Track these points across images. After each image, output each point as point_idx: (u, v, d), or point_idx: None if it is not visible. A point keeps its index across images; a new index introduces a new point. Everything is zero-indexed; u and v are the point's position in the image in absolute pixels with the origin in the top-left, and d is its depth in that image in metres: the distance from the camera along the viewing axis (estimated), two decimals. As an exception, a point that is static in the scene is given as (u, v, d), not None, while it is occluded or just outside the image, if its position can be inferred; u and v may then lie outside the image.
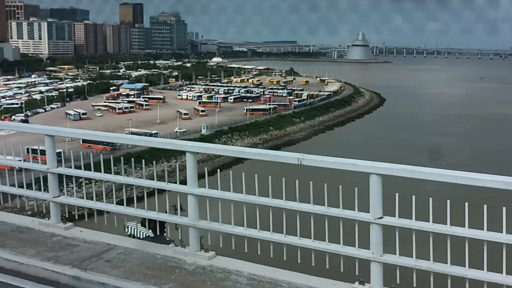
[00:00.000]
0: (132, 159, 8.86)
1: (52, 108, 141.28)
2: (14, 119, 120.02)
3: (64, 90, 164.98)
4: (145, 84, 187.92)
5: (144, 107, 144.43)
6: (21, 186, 9.39)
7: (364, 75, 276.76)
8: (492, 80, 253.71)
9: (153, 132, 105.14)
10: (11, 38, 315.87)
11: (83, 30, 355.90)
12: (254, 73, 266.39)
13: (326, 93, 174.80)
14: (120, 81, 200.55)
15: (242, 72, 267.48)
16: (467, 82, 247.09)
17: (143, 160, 14.95)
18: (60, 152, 10.77)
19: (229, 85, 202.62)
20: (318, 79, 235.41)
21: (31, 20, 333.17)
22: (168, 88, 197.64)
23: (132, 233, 55.37)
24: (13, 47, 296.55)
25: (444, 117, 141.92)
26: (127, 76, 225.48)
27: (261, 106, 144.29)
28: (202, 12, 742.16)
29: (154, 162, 9.67)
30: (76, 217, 9.27)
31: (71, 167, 8.78)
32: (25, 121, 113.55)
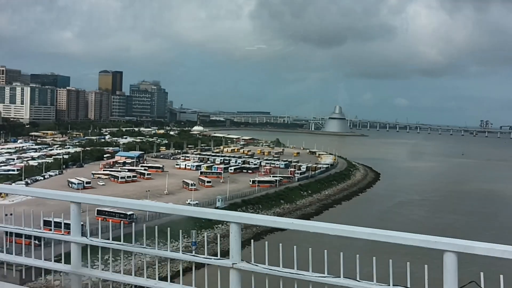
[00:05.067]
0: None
1: (50, 176, 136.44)
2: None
3: (58, 157, 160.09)
4: (141, 152, 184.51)
5: (146, 176, 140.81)
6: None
7: (346, 148, 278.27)
8: (473, 156, 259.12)
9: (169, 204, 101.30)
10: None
11: (66, 95, 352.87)
12: (242, 143, 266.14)
13: (325, 166, 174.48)
14: (111, 148, 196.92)
15: (229, 141, 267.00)
16: (451, 157, 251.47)
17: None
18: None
19: (222, 154, 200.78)
20: (308, 150, 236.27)
21: (13, 84, 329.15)
22: (161, 156, 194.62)
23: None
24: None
25: (450, 193, 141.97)
26: (114, 143, 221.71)
27: (266, 178, 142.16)
28: (174, 81, 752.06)
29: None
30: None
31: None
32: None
